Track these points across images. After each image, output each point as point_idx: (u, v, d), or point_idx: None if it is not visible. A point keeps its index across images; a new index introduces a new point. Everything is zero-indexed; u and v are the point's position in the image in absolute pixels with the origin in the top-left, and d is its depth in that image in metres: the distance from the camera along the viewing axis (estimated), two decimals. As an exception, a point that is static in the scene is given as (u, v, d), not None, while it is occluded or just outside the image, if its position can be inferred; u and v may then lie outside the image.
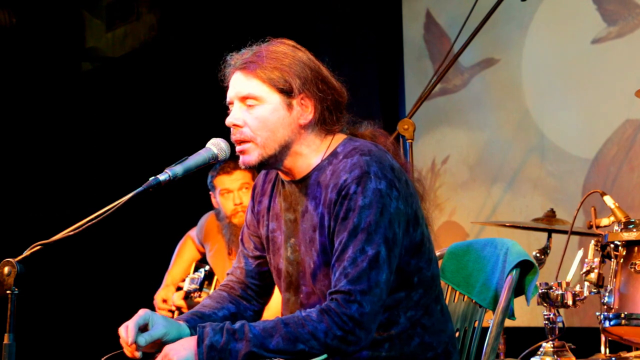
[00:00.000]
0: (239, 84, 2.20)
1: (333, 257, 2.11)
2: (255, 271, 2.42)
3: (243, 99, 2.19)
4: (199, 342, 2.04)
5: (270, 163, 2.22)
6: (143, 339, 2.11)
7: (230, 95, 2.23)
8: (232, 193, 3.94)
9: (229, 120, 2.21)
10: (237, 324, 2.07)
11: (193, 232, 4.33)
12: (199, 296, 4.08)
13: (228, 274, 2.48)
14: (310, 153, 2.23)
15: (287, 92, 2.18)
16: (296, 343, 2.03)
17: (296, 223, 2.24)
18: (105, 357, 2.13)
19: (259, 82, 2.18)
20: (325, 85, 2.21)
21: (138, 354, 2.12)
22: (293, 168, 2.24)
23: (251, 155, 2.20)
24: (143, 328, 2.14)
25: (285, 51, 2.21)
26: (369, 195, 2.08)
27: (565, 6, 4.56)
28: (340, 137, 2.26)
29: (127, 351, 2.13)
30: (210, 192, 4.09)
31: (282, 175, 2.29)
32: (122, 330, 2.12)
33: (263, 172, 2.43)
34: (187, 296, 4.11)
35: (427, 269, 2.22)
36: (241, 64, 2.20)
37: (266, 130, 2.17)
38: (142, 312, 2.15)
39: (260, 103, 2.18)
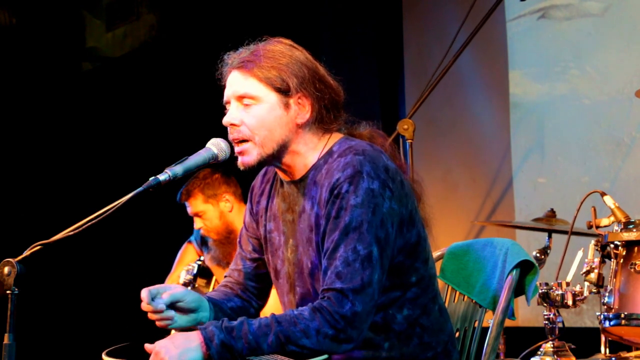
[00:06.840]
0: (236, 83, 2.20)
1: (324, 255, 2.11)
2: (253, 273, 2.42)
3: (240, 98, 2.19)
4: (208, 342, 2.02)
5: (269, 162, 2.23)
6: (160, 301, 2.12)
7: (228, 94, 2.22)
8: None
9: (226, 120, 2.20)
10: (236, 322, 2.06)
11: (193, 237, 4.33)
12: (194, 287, 4.07)
13: (226, 276, 2.47)
14: (308, 152, 2.23)
15: (284, 92, 2.17)
16: (287, 344, 2.03)
17: (294, 224, 2.24)
18: (107, 350, 2.12)
19: (256, 81, 2.17)
20: (323, 84, 2.21)
21: (167, 322, 2.15)
22: (292, 166, 2.24)
23: (250, 155, 2.19)
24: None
25: (282, 50, 2.20)
26: (361, 194, 2.07)
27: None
28: (337, 136, 2.25)
29: (154, 318, 2.15)
30: None
31: (281, 175, 2.29)
32: (142, 292, 2.13)
33: (261, 173, 2.42)
34: None
35: (424, 269, 2.21)
36: (238, 63, 2.20)
37: (264, 129, 2.17)
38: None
39: (257, 102, 2.17)
